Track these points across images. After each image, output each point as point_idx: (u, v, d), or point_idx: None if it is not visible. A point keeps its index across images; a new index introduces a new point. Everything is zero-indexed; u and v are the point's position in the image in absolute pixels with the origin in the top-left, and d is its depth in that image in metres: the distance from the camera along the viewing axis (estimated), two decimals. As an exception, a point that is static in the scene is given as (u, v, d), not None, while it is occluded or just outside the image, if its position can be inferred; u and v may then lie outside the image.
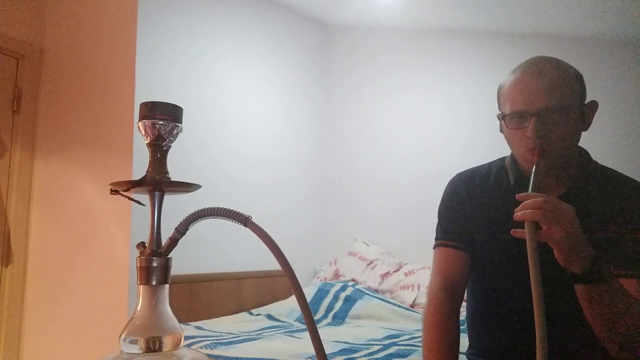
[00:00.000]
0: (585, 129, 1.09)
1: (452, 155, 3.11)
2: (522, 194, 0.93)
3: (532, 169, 1.02)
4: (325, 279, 3.08)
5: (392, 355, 1.79)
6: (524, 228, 0.89)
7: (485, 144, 2.17)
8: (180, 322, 0.64)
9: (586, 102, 1.08)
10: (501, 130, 1.14)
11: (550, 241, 0.89)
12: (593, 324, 0.96)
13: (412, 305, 2.73)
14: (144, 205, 0.67)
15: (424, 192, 2.73)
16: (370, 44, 3.53)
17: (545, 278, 0.87)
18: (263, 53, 3.11)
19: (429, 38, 3.40)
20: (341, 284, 2.82)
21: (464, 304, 1.25)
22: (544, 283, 0.86)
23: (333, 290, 2.75)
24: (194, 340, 1.93)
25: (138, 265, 0.62)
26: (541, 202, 0.89)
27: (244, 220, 0.61)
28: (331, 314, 2.61)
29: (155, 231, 0.64)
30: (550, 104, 1.01)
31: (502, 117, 1.10)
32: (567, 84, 1.03)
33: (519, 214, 0.90)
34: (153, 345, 0.59)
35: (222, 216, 0.62)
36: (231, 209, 0.62)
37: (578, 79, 1.07)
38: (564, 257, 0.90)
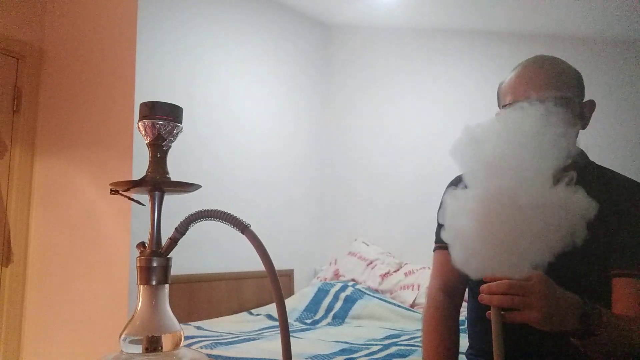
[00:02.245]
0: (583, 128, 1.09)
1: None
2: (487, 280, 0.85)
3: None
4: (325, 278, 3.08)
5: (392, 355, 1.79)
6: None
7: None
8: (180, 322, 0.64)
9: (584, 101, 1.09)
10: None
11: (526, 322, 0.83)
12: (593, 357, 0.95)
13: (412, 305, 2.73)
14: (144, 205, 0.67)
15: (424, 192, 2.74)
16: (371, 44, 3.53)
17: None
18: (263, 52, 3.11)
19: (429, 38, 3.40)
20: (341, 284, 2.82)
21: (465, 304, 1.26)
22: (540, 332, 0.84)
23: (333, 290, 2.75)
24: (194, 340, 1.93)
25: (138, 265, 0.62)
26: (507, 286, 0.82)
27: (242, 228, 0.61)
28: (331, 314, 2.61)
29: (155, 231, 0.64)
30: (550, 94, 1.02)
31: (502, 108, 1.10)
32: (566, 78, 1.06)
33: (484, 296, 0.83)
34: (153, 345, 0.59)
35: (222, 219, 0.62)
36: (232, 213, 0.62)
37: (577, 77, 1.08)
38: (547, 329, 0.84)
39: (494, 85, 1.17)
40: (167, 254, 0.64)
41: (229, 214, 0.62)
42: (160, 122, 0.63)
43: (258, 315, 2.60)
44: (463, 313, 1.22)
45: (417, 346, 1.88)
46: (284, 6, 3.25)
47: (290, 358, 0.60)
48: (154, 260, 0.62)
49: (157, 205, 0.64)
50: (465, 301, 1.27)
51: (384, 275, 2.97)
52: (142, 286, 0.62)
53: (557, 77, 1.04)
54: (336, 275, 3.08)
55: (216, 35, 2.82)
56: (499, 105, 1.14)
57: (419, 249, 2.44)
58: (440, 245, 1.22)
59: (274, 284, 0.61)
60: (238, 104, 2.91)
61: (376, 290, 2.88)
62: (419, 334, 1.82)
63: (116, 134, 2.31)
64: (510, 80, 1.09)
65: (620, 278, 1.00)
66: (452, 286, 1.17)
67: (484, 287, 0.84)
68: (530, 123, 0.80)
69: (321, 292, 2.75)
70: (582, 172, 1.10)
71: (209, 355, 1.70)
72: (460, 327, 1.17)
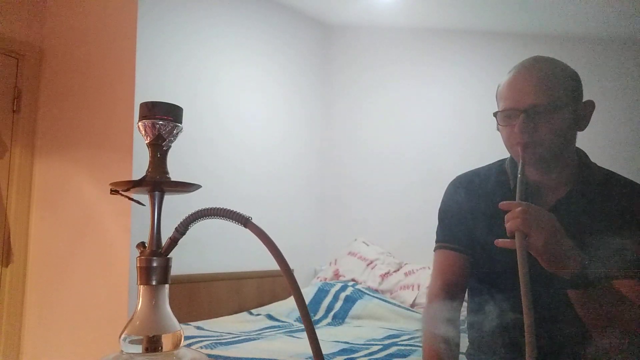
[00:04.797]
0: (582, 129, 1.09)
1: (454, 155, 3.11)
2: (504, 202, 0.95)
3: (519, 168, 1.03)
4: (325, 279, 3.08)
5: (392, 355, 1.79)
6: (507, 237, 0.92)
7: (487, 144, 2.16)
8: (180, 322, 0.63)
9: (583, 101, 1.08)
10: (498, 129, 1.14)
11: (531, 250, 0.90)
12: (588, 325, 0.96)
13: (412, 305, 2.73)
14: (144, 205, 0.67)
15: (424, 192, 2.74)
16: (371, 43, 3.53)
17: (541, 281, 0.87)
18: (263, 51, 3.11)
19: (429, 38, 3.40)
20: (341, 284, 2.82)
21: (465, 304, 1.26)
22: (540, 285, 0.86)
23: (333, 290, 2.75)
24: (194, 340, 1.93)
25: (138, 265, 0.62)
26: (520, 211, 0.90)
27: (244, 221, 0.61)
28: (331, 314, 2.61)
29: (155, 231, 0.64)
30: (539, 101, 1.02)
31: (495, 114, 1.11)
32: (559, 82, 1.04)
33: (506, 224, 0.93)
34: (153, 345, 0.59)
35: (223, 216, 0.61)
36: (231, 209, 0.62)
37: (573, 78, 1.07)
38: (547, 264, 0.91)
39: (493, 85, 1.17)
40: (167, 254, 0.63)
41: (229, 210, 0.61)
42: (160, 122, 0.63)
43: (258, 315, 2.60)
44: (463, 313, 1.22)
45: (417, 346, 1.88)
46: (284, 6, 3.25)
47: (318, 346, 0.60)
48: (154, 260, 0.62)
49: (157, 205, 0.64)
50: (466, 301, 1.27)
51: (384, 275, 2.97)
52: (142, 286, 0.62)
53: (549, 82, 1.03)
54: (336, 275, 3.08)
55: (216, 34, 2.82)
56: (497, 107, 1.14)
57: (419, 249, 2.44)
58: (441, 245, 1.22)
59: (286, 273, 0.60)
60: (238, 103, 2.91)
61: (376, 290, 2.88)
62: (419, 334, 1.82)
63: (116, 134, 2.31)
64: (504, 86, 1.09)
65: (621, 280, 0.99)
66: (453, 286, 1.17)
67: (506, 217, 0.93)
68: None
69: (321, 292, 2.75)
70: (584, 174, 1.10)
71: (209, 355, 1.70)
72: (461, 327, 1.17)
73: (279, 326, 2.40)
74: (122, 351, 0.60)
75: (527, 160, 1.04)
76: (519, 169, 1.02)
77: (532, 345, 0.79)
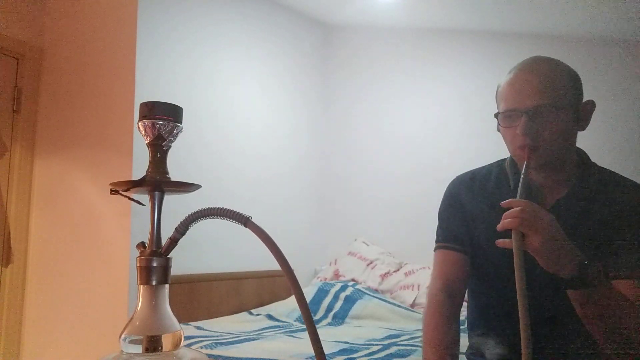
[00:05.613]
0: (582, 129, 1.09)
1: (455, 155, 3.11)
2: (505, 201, 0.94)
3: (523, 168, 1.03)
4: (325, 279, 3.08)
5: (392, 355, 1.79)
6: (507, 237, 0.91)
7: (489, 143, 2.16)
8: (180, 322, 0.64)
9: (583, 102, 1.08)
10: (498, 129, 1.14)
11: (529, 249, 0.90)
12: (588, 326, 0.96)
13: (412, 305, 2.73)
14: (144, 205, 0.67)
15: (424, 191, 2.74)
16: (370, 43, 3.53)
17: (541, 281, 0.87)
18: (262, 51, 3.11)
19: (427, 37, 3.40)
20: (341, 284, 2.82)
21: (465, 304, 1.26)
22: (540, 285, 0.85)
23: (333, 290, 2.75)
24: (194, 340, 1.93)
25: (138, 265, 0.62)
26: (519, 210, 0.90)
27: (244, 221, 0.61)
28: (331, 314, 2.61)
29: (155, 231, 0.64)
30: (541, 102, 1.02)
31: (496, 115, 1.10)
32: (560, 82, 1.04)
33: (500, 223, 0.92)
34: (153, 345, 0.59)
35: (222, 216, 0.62)
36: (231, 209, 0.62)
37: (573, 78, 1.07)
38: (545, 264, 0.90)
39: (493, 85, 1.17)
40: (167, 254, 0.64)
41: (229, 209, 0.62)
42: (160, 122, 0.63)
43: (258, 315, 2.60)
44: (463, 313, 1.22)
45: (417, 346, 1.88)
46: (284, 6, 3.25)
47: (321, 350, 0.60)
48: (154, 260, 0.62)
49: (157, 205, 0.64)
50: (466, 301, 1.27)
51: (384, 275, 2.97)
52: (142, 286, 0.62)
53: (550, 82, 1.03)
54: (336, 275, 3.08)
55: (216, 34, 2.82)
56: (497, 107, 1.14)
57: (419, 249, 2.44)
58: (441, 245, 1.22)
59: (287, 271, 0.60)
60: (238, 104, 2.91)
61: (376, 290, 2.88)
62: (419, 334, 1.82)
63: (116, 134, 2.31)
64: (504, 86, 1.09)
65: (620, 280, 0.99)
66: (453, 286, 1.17)
67: (503, 216, 0.92)
68: None
69: (321, 292, 2.75)
70: (584, 173, 1.10)
71: (209, 355, 1.70)
72: (461, 327, 1.17)
73: (279, 326, 2.40)
74: (122, 351, 0.60)
75: (531, 161, 1.03)
76: (523, 169, 1.01)
77: (528, 343, 0.79)
